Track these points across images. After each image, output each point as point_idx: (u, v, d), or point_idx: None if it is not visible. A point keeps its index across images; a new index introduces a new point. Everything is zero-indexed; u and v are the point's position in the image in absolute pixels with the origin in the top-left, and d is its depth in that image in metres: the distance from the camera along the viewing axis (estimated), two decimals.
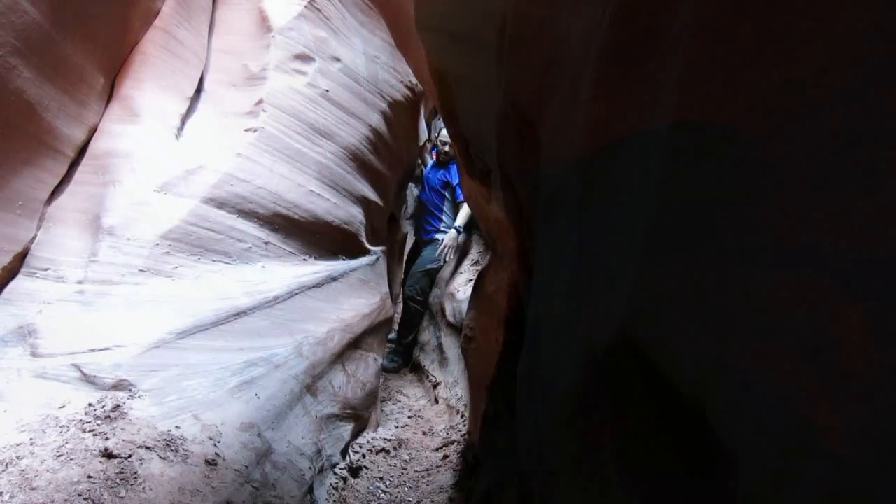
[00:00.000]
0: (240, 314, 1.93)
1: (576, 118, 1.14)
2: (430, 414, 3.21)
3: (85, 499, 1.12)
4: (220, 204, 2.01)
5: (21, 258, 1.72)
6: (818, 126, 0.78)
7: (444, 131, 3.47)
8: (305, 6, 2.52)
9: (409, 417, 3.13)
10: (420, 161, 4.23)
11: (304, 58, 2.47)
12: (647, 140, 1.03)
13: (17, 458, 1.20)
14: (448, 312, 4.05)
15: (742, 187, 0.98)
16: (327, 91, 2.55)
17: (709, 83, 0.88)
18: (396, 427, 2.94)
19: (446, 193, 4.03)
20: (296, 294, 2.25)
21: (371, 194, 2.90)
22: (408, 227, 4.36)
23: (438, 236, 3.95)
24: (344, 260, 2.67)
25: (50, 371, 1.47)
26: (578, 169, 1.12)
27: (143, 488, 1.23)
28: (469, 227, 3.86)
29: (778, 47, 0.76)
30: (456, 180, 3.89)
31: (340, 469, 2.19)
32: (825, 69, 0.71)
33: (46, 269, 1.72)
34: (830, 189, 0.78)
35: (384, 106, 2.94)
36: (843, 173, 0.78)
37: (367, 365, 2.65)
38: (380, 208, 3.04)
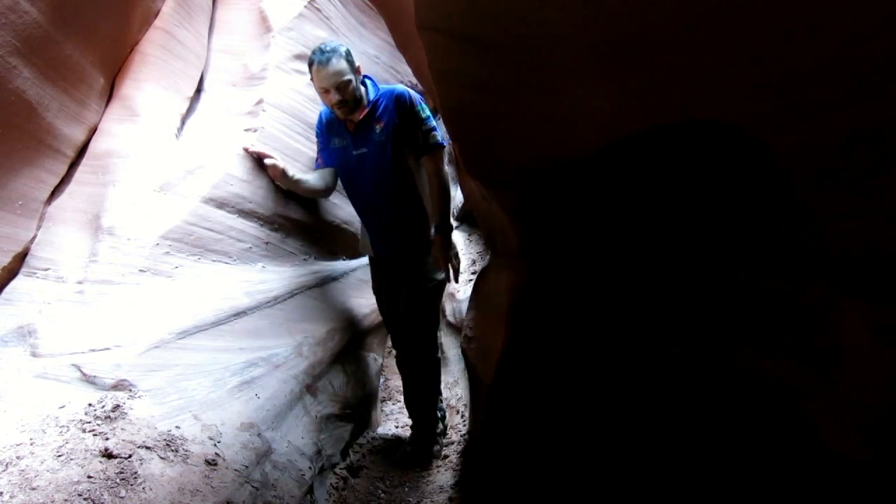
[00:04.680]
0: (240, 314, 1.93)
1: (573, 116, 1.14)
2: None
3: (85, 499, 1.12)
4: (220, 204, 2.01)
5: (21, 258, 1.72)
6: (818, 126, 0.78)
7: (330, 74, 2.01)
8: (305, 6, 2.53)
9: (410, 417, 3.13)
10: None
11: (304, 58, 2.47)
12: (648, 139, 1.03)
13: (17, 458, 1.20)
14: (448, 312, 4.05)
15: (742, 186, 0.98)
16: None
17: (709, 83, 0.88)
18: (396, 427, 2.94)
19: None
20: (296, 294, 2.25)
21: None
22: None
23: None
24: (344, 260, 2.67)
25: (50, 371, 1.47)
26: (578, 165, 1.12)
27: (143, 488, 1.23)
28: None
29: (779, 47, 0.76)
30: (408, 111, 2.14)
31: (340, 469, 2.19)
32: (825, 69, 0.71)
33: (46, 269, 1.72)
34: (831, 189, 0.79)
35: None
36: (843, 173, 0.78)
37: (367, 365, 2.65)
38: None
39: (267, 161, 2.15)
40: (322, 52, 2.04)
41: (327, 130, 2.27)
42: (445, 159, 2.23)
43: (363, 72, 2.18)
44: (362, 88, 2.15)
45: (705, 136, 0.97)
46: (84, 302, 1.63)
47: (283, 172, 2.15)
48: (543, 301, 1.51)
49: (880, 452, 0.77)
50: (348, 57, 2.06)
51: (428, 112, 2.16)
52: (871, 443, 0.77)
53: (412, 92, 2.18)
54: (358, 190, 2.29)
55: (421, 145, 2.15)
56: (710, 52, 0.81)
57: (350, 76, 2.05)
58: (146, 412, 1.45)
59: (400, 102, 2.13)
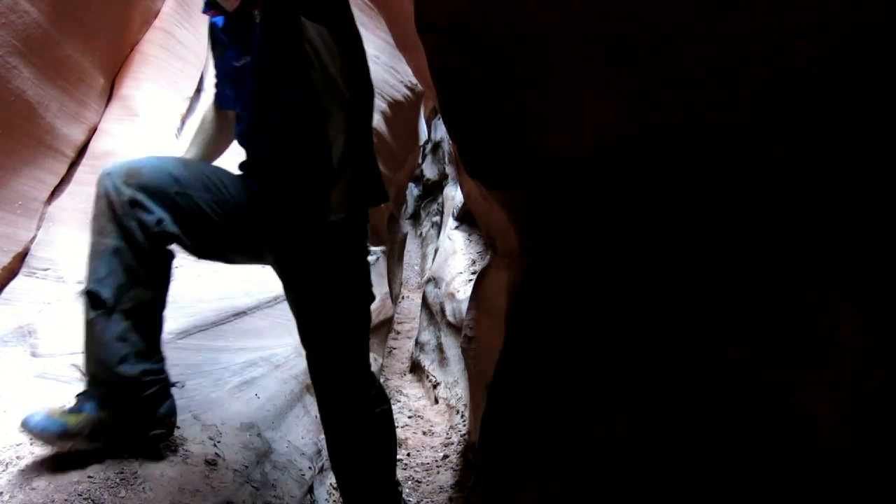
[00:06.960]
0: (240, 314, 1.93)
1: (572, 116, 1.15)
2: (430, 414, 3.21)
3: (85, 499, 1.12)
4: None
5: (21, 258, 1.72)
6: (818, 126, 0.78)
7: None
8: None
9: (409, 417, 3.13)
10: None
11: None
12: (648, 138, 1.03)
13: (17, 458, 1.20)
14: (448, 312, 4.06)
15: (741, 186, 0.98)
16: None
17: (709, 83, 0.88)
18: (396, 427, 2.94)
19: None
20: None
21: None
22: (408, 227, 4.22)
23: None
24: None
25: (50, 371, 1.47)
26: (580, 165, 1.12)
27: (143, 488, 1.23)
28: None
29: (777, 46, 0.76)
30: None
31: None
32: (824, 69, 0.71)
33: (46, 269, 1.72)
34: (831, 189, 0.79)
35: (384, 106, 2.95)
36: (844, 173, 0.78)
37: None
38: (379, 208, 3.04)
39: None
40: None
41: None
42: None
43: None
44: None
45: (705, 135, 0.97)
46: None
47: None
48: (543, 301, 1.51)
49: (879, 452, 0.77)
50: None
51: None
52: (870, 443, 0.77)
53: None
54: (239, 124, 1.34)
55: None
56: (710, 52, 0.81)
57: None
58: None
59: None
